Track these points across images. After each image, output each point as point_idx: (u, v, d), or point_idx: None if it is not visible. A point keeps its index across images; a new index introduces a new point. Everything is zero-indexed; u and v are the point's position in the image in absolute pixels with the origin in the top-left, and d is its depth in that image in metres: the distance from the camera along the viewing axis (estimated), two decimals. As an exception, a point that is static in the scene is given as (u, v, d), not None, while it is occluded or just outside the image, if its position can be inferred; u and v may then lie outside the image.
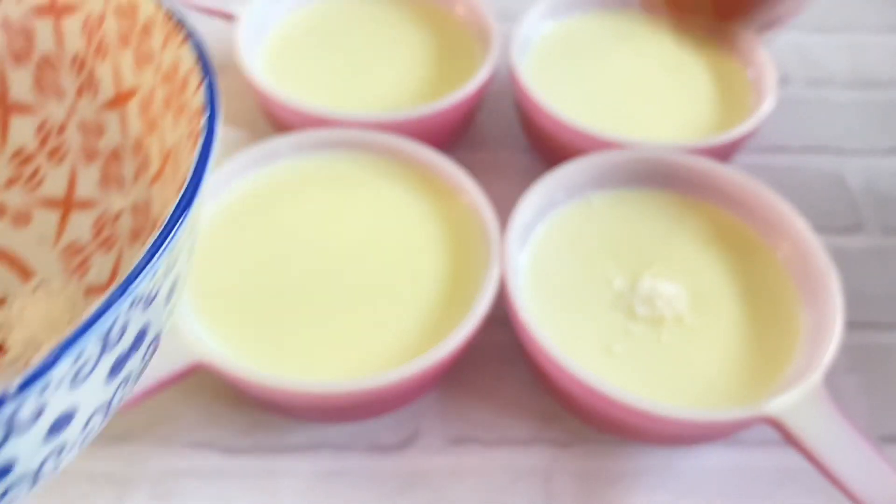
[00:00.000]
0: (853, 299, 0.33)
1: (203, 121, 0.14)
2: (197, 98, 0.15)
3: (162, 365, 0.26)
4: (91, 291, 0.17)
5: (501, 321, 0.30)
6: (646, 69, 0.39)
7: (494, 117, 0.41)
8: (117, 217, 0.18)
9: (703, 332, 0.29)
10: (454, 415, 0.30)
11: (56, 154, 0.19)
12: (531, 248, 0.31)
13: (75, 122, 0.19)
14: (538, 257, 0.31)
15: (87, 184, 0.19)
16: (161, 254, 0.11)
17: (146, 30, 0.17)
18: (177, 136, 0.16)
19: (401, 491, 0.28)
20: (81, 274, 0.18)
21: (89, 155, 0.19)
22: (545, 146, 0.37)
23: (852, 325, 0.33)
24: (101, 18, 0.18)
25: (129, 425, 0.29)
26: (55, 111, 0.19)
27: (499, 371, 0.32)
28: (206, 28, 0.44)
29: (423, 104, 0.34)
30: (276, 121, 0.37)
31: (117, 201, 0.19)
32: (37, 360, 0.10)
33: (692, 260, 0.31)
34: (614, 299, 0.30)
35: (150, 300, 0.12)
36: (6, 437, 0.10)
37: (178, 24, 0.17)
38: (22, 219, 0.19)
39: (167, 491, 0.28)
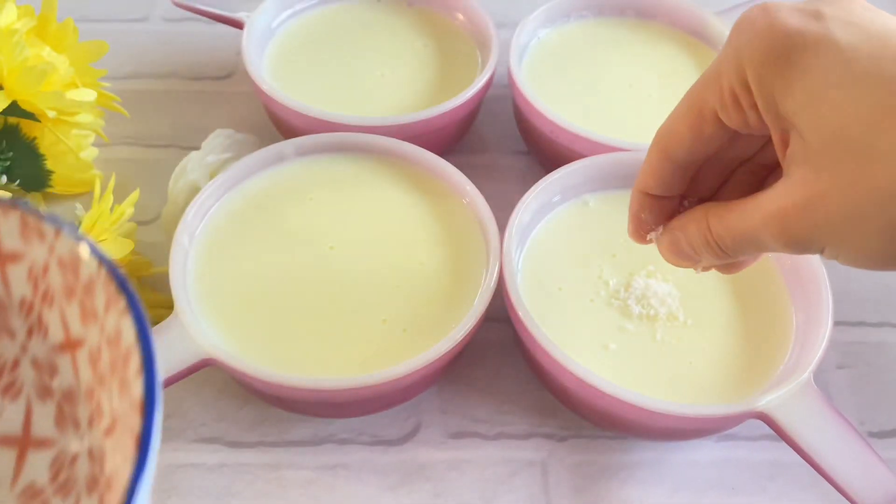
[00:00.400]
0: (842, 298, 0.34)
1: (143, 422, 0.14)
2: (137, 385, 0.14)
3: (170, 361, 0.26)
4: None
5: (500, 319, 0.31)
6: (641, 75, 0.40)
7: (493, 121, 0.42)
8: (74, 460, 0.18)
9: (696, 330, 0.30)
10: (454, 410, 0.31)
11: (10, 389, 0.19)
12: (529, 249, 0.32)
13: (28, 358, 0.19)
14: (536, 257, 0.32)
15: (43, 421, 0.18)
16: None
17: (89, 288, 0.17)
18: (123, 407, 0.15)
19: (402, 483, 0.29)
20: None
21: (44, 392, 0.19)
22: (542, 149, 0.38)
23: (841, 323, 0.34)
24: (45, 268, 0.17)
25: (137, 420, 0.30)
26: (8, 348, 0.19)
27: (498, 367, 0.32)
28: (214, 34, 0.45)
29: (424, 109, 0.35)
30: (281, 125, 0.38)
31: (74, 443, 0.18)
32: None
33: (685, 260, 0.32)
34: (609, 298, 0.31)
35: None
36: None
37: (120, 290, 0.16)
38: None
39: (175, 484, 0.28)
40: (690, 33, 0.42)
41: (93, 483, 0.17)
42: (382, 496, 0.28)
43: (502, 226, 0.31)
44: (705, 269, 0.24)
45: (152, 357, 0.15)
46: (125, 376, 0.15)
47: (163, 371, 0.26)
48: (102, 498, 0.16)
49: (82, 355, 0.17)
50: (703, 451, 0.30)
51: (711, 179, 0.23)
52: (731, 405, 0.26)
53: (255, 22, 0.39)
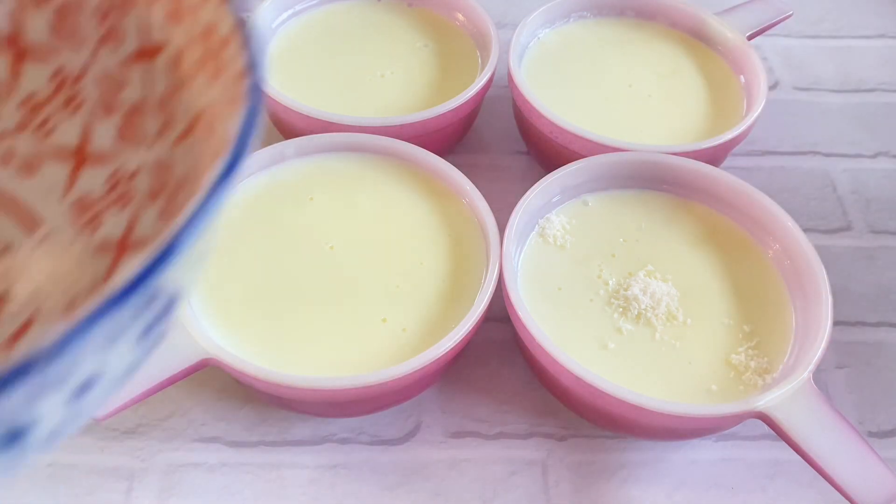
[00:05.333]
0: (841, 298, 0.34)
1: (247, 85, 0.13)
2: (238, 61, 0.14)
3: (170, 361, 0.26)
4: (102, 248, 0.16)
5: (500, 319, 0.31)
6: (640, 75, 0.40)
7: (493, 121, 0.42)
8: (135, 174, 0.17)
9: (696, 330, 0.30)
10: (454, 409, 0.31)
11: (71, 103, 0.18)
12: (529, 248, 0.32)
13: (94, 72, 0.17)
14: (535, 257, 0.32)
15: (103, 137, 0.17)
16: (208, 217, 0.11)
17: None
18: (212, 98, 0.15)
19: (402, 483, 0.29)
20: (92, 230, 0.16)
21: (107, 107, 0.17)
22: (542, 149, 0.38)
23: (840, 322, 0.34)
24: None
25: (137, 420, 0.30)
26: (73, 59, 0.17)
27: (497, 367, 0.32)
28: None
29: (424, 109, 0.35)
30: (282, 125, 0.38)
31: (135, 158, 0.17)
32: (74, 318, 0.09)
33: (684, 259, 0.32)
34: (609, 297, 0.31)
35: (187, 263, 0.11)
36: (35, 397, 0.09)
37: None
38: (30, 167, 0.17)
39: (175, 484, 0.29)
40: (690, 33, 0.42)
41: (156, 192, 0.16)
42: (382, 496, 0.28)
43: (502, 226, 0.31)
44: None
45: (254, 39, 0.14)
46: (222, 60, 0.15)
47: (162, 370, 0.26)
48: (168, 201, 0.16)
49: (161, 61, 0.17)
50: (703, 451, 0.30)
51: None
52: (730, 405, 0.26)
53: (255, 22, 0.39)
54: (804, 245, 0.31)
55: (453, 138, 0.39)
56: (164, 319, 0.11)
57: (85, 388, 0.10)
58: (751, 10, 0.42)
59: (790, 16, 0.42)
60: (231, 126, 0.13)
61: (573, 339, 0.29)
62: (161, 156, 0.16)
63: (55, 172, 0.17)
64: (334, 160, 0.34)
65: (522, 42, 0.39)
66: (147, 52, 0.17)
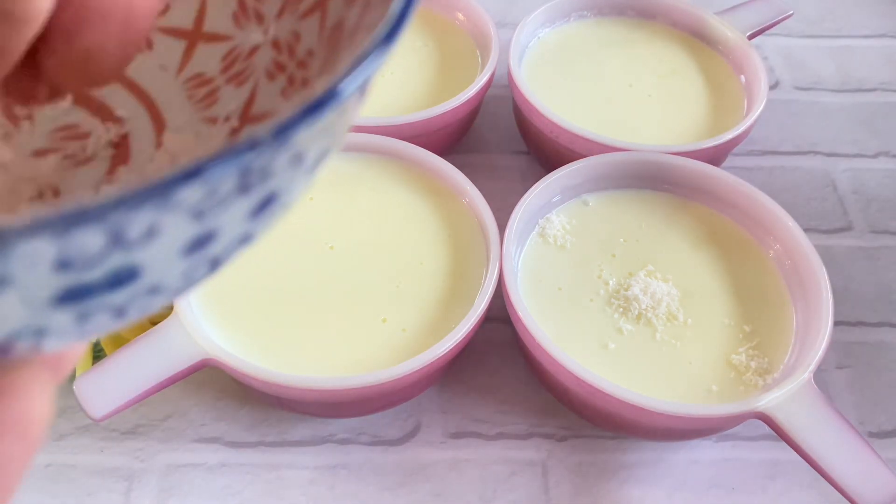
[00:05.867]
0: (842, 298, 0.34)
1: None
2: None
3: (170, 361, 0.26)
4: (222, 121, 0.16)
5: (500, 319, 0.31)
6: (640, 75, 0.40)
7: (493, 121, 0.42)
8: (253, 52, 0.16)
9: (696, 330, 0.30)
10: (454, 410, 0.31)
11: None
12: (529, 248, 0.32)
13: None
14: (536, 257, 0.32)
15: (218, 16, 0.17)
16: (371, 66, 0.10)
17: None
18: None
19: (402, 483, 0.29)
20: (208, 105, 0.16)
21: None
22: (542, 149, 0.38)
23: (841, 323, 0.34)
24: None
25: (137, 420, 0.30)
26: None
27: (497, 367, 0.32)
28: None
29: (424, 109, 0.35)
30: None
31: (253, 36, 0.16)
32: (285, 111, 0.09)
33: (685, 260, 0.32)
34: (609, 297, 0.31)
35: (328, 132, 0.10)
36: (245, 185, 0.09)
37: None
38: (147, 43, 0.16)
39: (174, 484, 0.29)
40: (690, 33, 0.42)
41: (276, 70, 0.16)
42: (382, 496, 0.28)
43: (502, 226, 0.31)
44: None
45: None
46: None
47: (162, 370, 0.26)
48: (292, 77, 0.15)
49: None
50: (703, 451, 0.30)
51: None
52: (731, 405, 0.26)
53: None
54: (805, 245, 0.31)
55: (453, 138, 0.39)
56: (324, 158, 0.11)
57: (266, 202, 0.10)
58: (751, 10, 0.42)
59: (791, 15, 0.42)
60: None
61: (573, 339, 0.29)
62: (281, 33, 0.16)
63: (171, 50, 0.17)
64: (334, 160, 0.34)
65: (522, 42, 0.39)
66: None
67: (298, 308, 0.29)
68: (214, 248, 0.10)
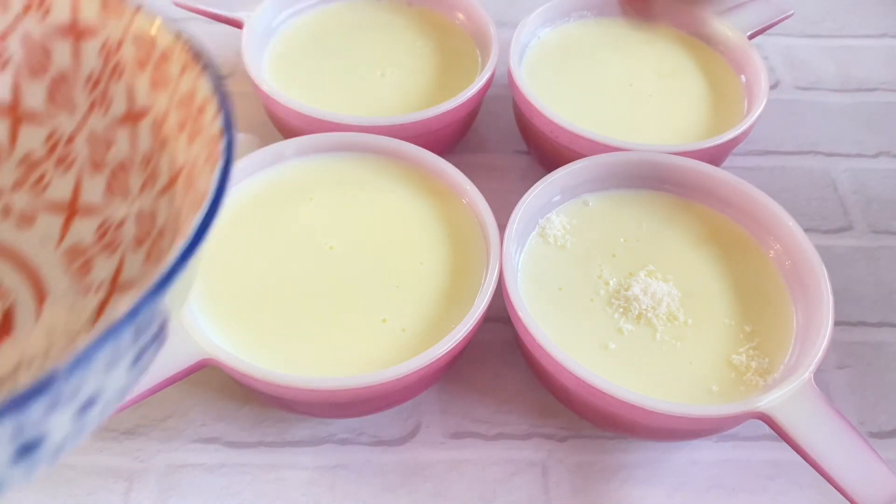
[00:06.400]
0: (842, 298, 0.34)
1: (222, 145, 0.15)
2: (214, 125, 0.16)
3: (169, 361, 0.26)
4: (94, 290, 0.18)
5: (500, 319, 0.31)
6: (641, 74, 0.40)
7: (493, 121, 0.42)
8: (122, 223, 0.19)
9: (696, 330, 0.30)
10: (454, 410, 0.31)
11: (63, 162, 0.20)
12: (529, 248, 0.32)
13: (85, 134, 0.20)
14: (536, 257, 0.32)
15: (93, 191, 0.20)
16: (193, 254, 0.12)
17: (164, 57, 0.18)
18: (191, 156, 0.17)
19: (402, 484, 0.29)
20: (83, 274, 0.19)
21: (96, 165, 0.20)
22: (542, 149, 0.38)
23: (841, 323, 0.34)
24: (120, 44, 0.18)
25: (136, 420, 0.30)
26: (65, 123, 0.20)
27: (498, 367, 0.32)
28: (214, 34, 0.45)
29: (424, 109, 0.35)
30: (281, 125, 0.38)
31: (122, 209, 0.19)
32: (81, 345, 0.11)
33: (685, 260, 0.32)
34: (609, 298, 0.31)
35: (174, 295, 0.12)
36: (47, 412, 0.10)
37: (197, 55, 0.17)
38: (27, 220, 0.19)
39: (174, 484, 0.29)
40: (690, 33, 0.42)
41: (140, 239, 0.18)
42: (382, 496, 0.28)
43: (502, 226, 0.31)
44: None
45: (229, 105, 0.16)
46: (199, 125, 0.17)
47: (162, 371, 0.26)
48: (151, 248, 0.18)
49: (145, 124, 0.18)
50: (703, 451, 0.30)
51: None
52: (731, 405, 0.26)
53: (255, 22, 0.39)
54: (805, 245, 0.31)
55: (453, 138, 0.39)
56: (154, 345, 0.13)
57: (88, 404, 0.12)
58: (752, 10, 0.42)
59: (791, 15, 0.42)
60: (209, 180, 0.14)
61: (573, 339, 0.29)
62: (145, 207, 0.18)
63: (51, 224, 0.19)
64: (334, 160, 0.34)
65: (522, 41, 0.39)
66: (133, 116, 0.19)
67: (298, 308, 0.29)
68: (45, 449, 0.11)
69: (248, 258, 0.31)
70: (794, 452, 0.26)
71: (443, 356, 0.27)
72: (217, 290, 0.30)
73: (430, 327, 0.29)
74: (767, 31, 0.42)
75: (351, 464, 0.29)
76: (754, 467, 0.30)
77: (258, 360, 0.27)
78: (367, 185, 0.33)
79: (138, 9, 0.18)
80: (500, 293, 0.29)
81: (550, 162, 0.36)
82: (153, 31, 0.18)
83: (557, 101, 0.36)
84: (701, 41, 0.41)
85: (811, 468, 0.25)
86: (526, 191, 0.32)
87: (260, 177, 0.33)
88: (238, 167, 0.33)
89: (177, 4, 0.40)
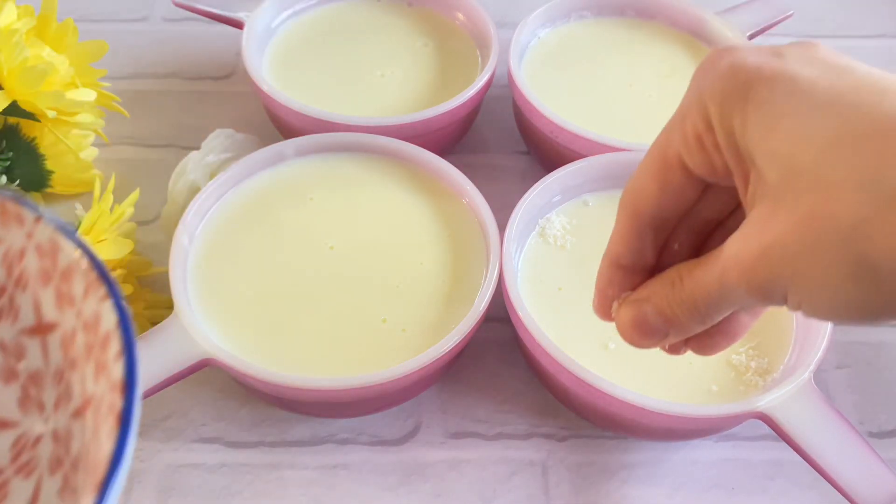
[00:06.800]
0: (842, 298, 0.34)
1: (122, 405, 0.14)
2: (117, 369, 0.15)
3: (170, 361, 0.26)
4: None
5: (500, 319, 0.31)
6: (640, 74, 0.40)
7: (493, 121, 0.42)
8: (37, 441, 0.18)
9: (696, 330, 0.30)
10: (454, 409, 0.31)
11: None
12: (529, 248, 0.32)
13: None
14: (536, 257, 0.32)
15: (7, 402, 0.19)
16: None
17: (67, 274, 0.17)
18: (98, 391, 0.16)
19: (402, 483, 0.29)
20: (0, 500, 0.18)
21: (8, 374, 0.19)
22: (542, 149, 0.38)
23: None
24: (22, 253, 0.18)
25: (137, 420, 0.30)
26: None
27: (498, 367, 0.32)
28: (214, 34, 0.45)
29: (424, 109, 0.35)
30: (281, 124, 0.38)
31: (38, 425, 0.18)
32: None
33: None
34: (610, 298, 0.31)
35: None
36: None
37: (101, 278, 0.16)
38: None
39: (174, 484, 0.29)
40: (690, 33, 0.42)
41: (56, 464, 0.17)
42: (382, 496, 0.28)
43: (502, 226, 0.31)
44: (674, 349, 0.22)
45: (132, 342, 0.15)
46: (103, 359, 0.16)
47: (162, 370, 0.26)
48: (67, 478, 0.17)
49: (54, 339, 0.18)
50: (703, 451, 0.30)
51: (686, 249, 0.22)
52: (731, 405, 0.26)
53: (255, 22, 0.39)
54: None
55: (453, 138, 0.39)
56: None
57: None
58: (751, 10, 0.42)
59: (791, 15, 0.42)
60: (108, 447, 0.14)
61: (573, 339, 0.29)
62: (59, 426, 0.17)
63: None
64: (334, 160, 0.34)
65: (522, 42, 0.39)
66: (41, 329, 0.18)
67: (298, 308, 0.29)
68: None
69: (248, 258, 0.31)
70: (794, 452, 0.26)
71: (443, 356, 0.27)
72: (217, 290, 0.30)
73: (430, 327, 0.29)
74: (767, 31, 0.42)
75: (351, 464, 0.29)
76: (754, 467, 0.30)
77: (258, 360, 0.27)
78: (367, 186, 0.33)
79: (39, 218, 0.18)
80: (500, 293, 0.29)
81: (550, 162, 0.36)
82: (58, 243, 0.17)
83: (557, 101, 0.36)
84: (701, 41, 0.41)
85: (811, 468, 0.26)
86: (526, 191, 0.32)
87: (260, 177, 0.33)
88: (239, 167, 0.33)
89: (177, 4, 0.40)
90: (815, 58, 0.18)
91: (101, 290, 0.16)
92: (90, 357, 0.16)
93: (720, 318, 0.20)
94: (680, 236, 0.22)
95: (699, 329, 0.21)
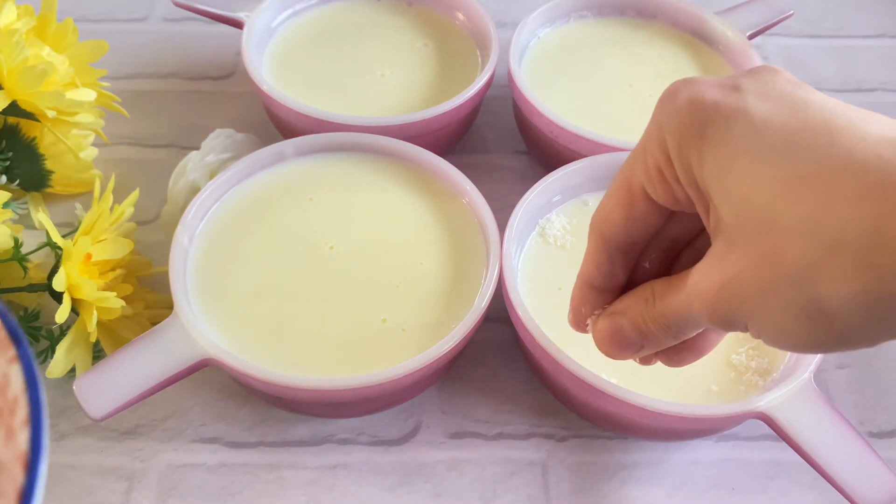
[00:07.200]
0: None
1: (24, 481, 0.14)
2: (22, 437, 0.14)
3: (170, 361, 0.26)
4: None
5: (500, 319, 0.31)
6: (640, 74, 0.40)
7: (493, 121, 0.42)
8: None
9: (696, 330, 0.30)
10: (454, 410, 0.31)
11: None
12: (529, 248, 0.32)
13: None
14: (535, 257, 0.32)
15: None
16: None
17: None
18: (8, 457, 0.15)
19: (402, 483, 0.29)
20: None
21: None
22: (542, 149, 0.38)
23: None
24: None
25: (136, 420, 0.30)
26: None
27: (497, 367, 0.32)
28: (214, 34, 0.45)
29: (424, 109, 0.35)
30: (281, 125, 0.38)
31: None
32: None
33: (685, 260, 0.32)
34: (610, 298, 0.31)
35: None
36: None
37: (11, 337, 0.16)
38: None
39: (174, 484, 0.29)
40: (690, 33, 0.42)
41: None
42: (382, 496, 0.28)
43: (502, 226, 0.31)
44: (645, 361, 0.23)
45: (41, 409, 0.14)
46: (11, 424, 0.15)
47: (162, 370, 0.26)
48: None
49: None
50: (703, 451, 0.30)
51: (657, 265, 0.22)
52: (731, 405, 0.26)
53: (255, 22, 0.39)
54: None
55: (453, 138, 0.39)
56: None
57: None
58: (752, 10, 0.42)
59: (791, 15, 0.42)
60: None
61: (574, 339, 0.29)
62: None
63: None
64: (334, 160, 0.34)
65: (522, 42, 0.39)
66: None
67: (298, 308, 0.29)
68: None
69: (248, 258, 0.31)
70: (794, 452, 0.26)
71: (443, 356, 0.27)
72: (217, 290, 0.30)
73: (430, 327, 0.29)
74: (767, 31, 0.42)
75: (351, 463, 0.29)
76: (754, 467, 0.30)
77: (258, 360, 0.27)
78: (367, 186, 0.33)
79: None
80: (500, 293, 0.29)
81: (550, 162, 0.36)
82: None
83: (557, 102, 0.36)
84: (701, 41, 0.41)
85: (811, 468, 0.26)
86: (526, 191, 0.32)
87: (260, 177, 0.33)
88: (239, 167, 0.33)
89: (177, 4, 0.40)
90: (772, 91, 0.18)
91: (11, 351, 0.15)
92: (0, 420, 0.16)
93: (694, 334, 0.21)
94: (650, 255, 0.22)
95: (673, 342, 0.21)
